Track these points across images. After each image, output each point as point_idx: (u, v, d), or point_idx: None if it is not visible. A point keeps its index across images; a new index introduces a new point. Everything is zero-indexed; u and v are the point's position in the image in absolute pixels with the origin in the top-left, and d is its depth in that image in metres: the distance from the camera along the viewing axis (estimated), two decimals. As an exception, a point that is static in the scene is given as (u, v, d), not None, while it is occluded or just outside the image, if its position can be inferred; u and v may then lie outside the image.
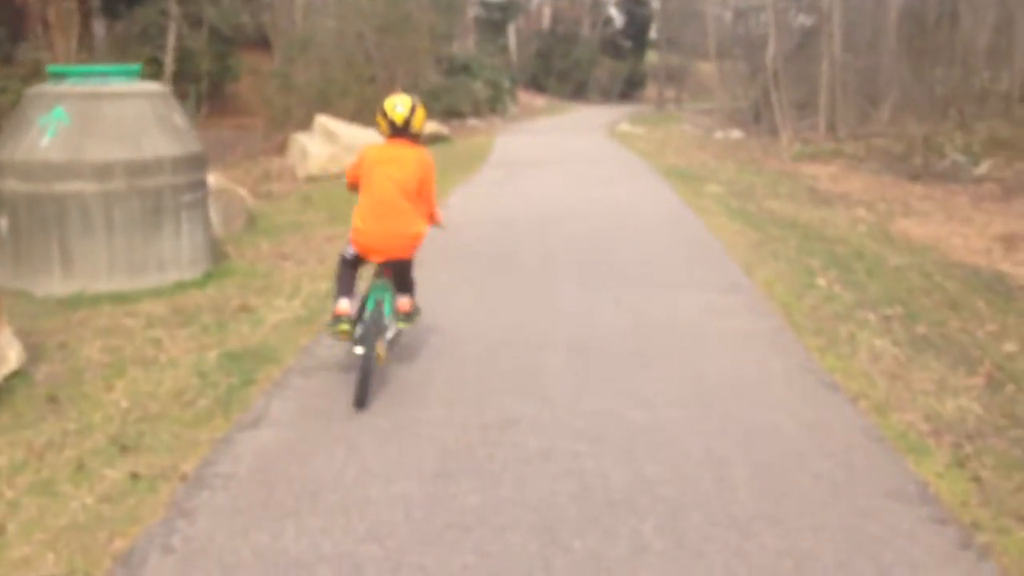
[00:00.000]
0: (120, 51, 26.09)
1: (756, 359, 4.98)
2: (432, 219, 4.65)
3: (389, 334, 4.53)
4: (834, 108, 20.99)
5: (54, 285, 6.10)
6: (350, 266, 4.58)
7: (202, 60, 24.22)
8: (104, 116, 6.17)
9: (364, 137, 13.76)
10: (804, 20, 28.43)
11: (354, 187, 4.56)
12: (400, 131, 4.39)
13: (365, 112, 17.65)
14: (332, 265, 7.55)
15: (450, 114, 26.47)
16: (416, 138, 4.47)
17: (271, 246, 8.14)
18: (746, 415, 4.15)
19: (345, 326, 4.34)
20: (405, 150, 4.42)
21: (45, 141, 6.05)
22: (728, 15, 34.83)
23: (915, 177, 14.04)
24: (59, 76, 6.53)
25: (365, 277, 4.74)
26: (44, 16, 16.69)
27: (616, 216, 9.96)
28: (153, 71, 23.70)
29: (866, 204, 11.35)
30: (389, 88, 20.24)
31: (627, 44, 50.96)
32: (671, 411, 4.20)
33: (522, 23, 45.84)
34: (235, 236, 8.50)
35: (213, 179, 8.67)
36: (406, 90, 23.26)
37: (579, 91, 44.00)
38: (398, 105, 4.36)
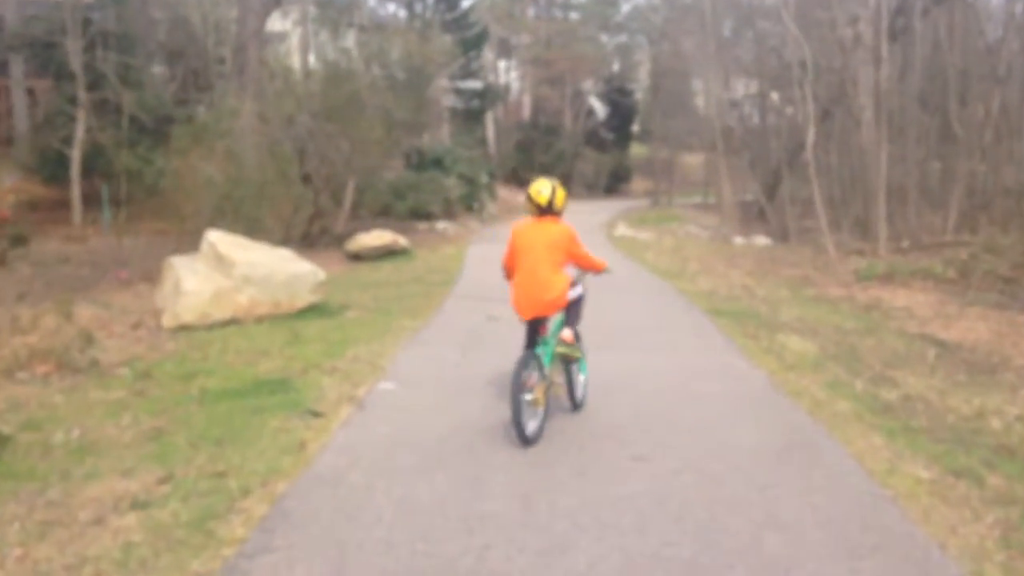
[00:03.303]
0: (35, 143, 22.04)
1: None
2: (597, 269, 5.73)
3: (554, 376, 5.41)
4: (874, 211, 17.08)
5: None
6: (527, 328, 5.43)
7: (117, 155, 20.13)
8: None
9: (270, 264, 9.39)
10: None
11: (511, 274, 5.49)
12: (545, 210, 5.36)
13: (297, 220, 13.37)
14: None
15: (418, 215, 22.37)
16: (559, 214, 5.42)
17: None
18: None
19: (531, 396, 5.02)
20: (550, 225, 5.36)
21: None
22: (716, 105, 31.25)
23: (1061, 314, 9.97)
24: None
25: None
26: None
27: (676, 438, 5.45)
28: (61, 168, 19.75)
29: (1051, 376, 7.14)
30: (329, 188, 15.94)
31: (610, 136, 47.91)
32: None
33: (501, 114, 42.56)
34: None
35: None
36: (359, 189, 19.19)
37: (563, 186, 40.37)
38: (542, 190, 5.36)
